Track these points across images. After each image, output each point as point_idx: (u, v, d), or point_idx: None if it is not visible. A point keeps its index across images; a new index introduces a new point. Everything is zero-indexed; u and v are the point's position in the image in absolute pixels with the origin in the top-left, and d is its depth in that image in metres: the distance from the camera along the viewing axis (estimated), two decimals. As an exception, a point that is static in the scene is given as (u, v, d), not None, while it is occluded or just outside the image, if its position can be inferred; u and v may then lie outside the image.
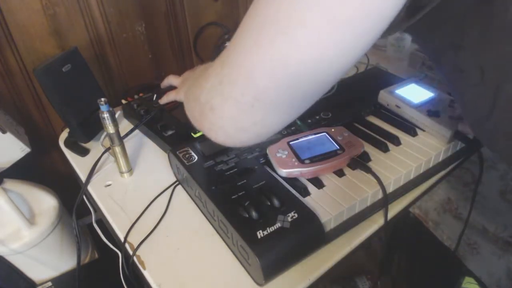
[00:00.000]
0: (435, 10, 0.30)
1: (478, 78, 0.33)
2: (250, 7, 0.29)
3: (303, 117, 0.67)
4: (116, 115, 0.62)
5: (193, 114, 0.37)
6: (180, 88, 0.70)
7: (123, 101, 0.82)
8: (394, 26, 0.29)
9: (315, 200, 0.51)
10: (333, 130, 0.60)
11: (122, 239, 0.53)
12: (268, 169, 0.55)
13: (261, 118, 0.32)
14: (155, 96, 0.78)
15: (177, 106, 0.75)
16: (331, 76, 0.30)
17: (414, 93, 0.70)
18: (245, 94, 0.30)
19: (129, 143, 0.72)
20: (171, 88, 0.75)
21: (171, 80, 0.76)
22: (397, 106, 0.68)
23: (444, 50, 0.35)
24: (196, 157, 0.57)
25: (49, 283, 0.82)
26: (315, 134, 0.60)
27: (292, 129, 0.64)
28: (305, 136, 0.59)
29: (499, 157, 0.39)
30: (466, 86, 0.35)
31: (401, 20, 0.30)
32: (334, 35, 0.26)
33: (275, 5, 0.26)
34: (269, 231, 0.44)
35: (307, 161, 0.54)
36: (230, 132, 0.34)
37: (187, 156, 0.58)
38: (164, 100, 0.74)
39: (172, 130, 0.70)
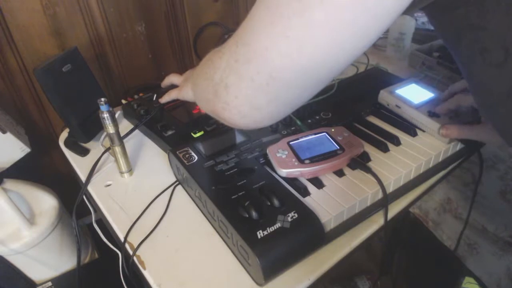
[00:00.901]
0: None
1: (501, 58, 0.32)
2: None
3: (303, 117, 0.67)
4: (116, 115, 0.62)
5: (205, 95, 0.37)
6: (182, 87, 0.69)
7: (123, 101, 0.82)
8: (414, 5, 0.29)
9: (315, 200, 0.51)
10: (333, 130, 0.60)
11: (122, 239, 0.53)
12: (268, 169, 0.55)
13: (275, 97, 0.32)
14: (155, 96, 0.78)
15: (177, 106, 0.76)
16: (346, 58, 0.30)
17: (415, 93, 0.70)
18: (260, 73, 0.30)
19: (129, 143, 0.72)
20: (172, 87, 0.75)
21: (172, 78, 0.75)
22: (397, 106, 0.68)
23: (465, 30, 0.34)
24: (196, 157, 0.57)
25: (49, 283, 0.82)
26: (315, 134, 0.60)
27: (292, 129, 0.64)
28: (305, 136, 0.59)
29: (509, 144, 0.38)
30: (487, 66, 0.35)
31: None
32: (351, 16, 0.26)
33: None
34: (269, 231, 0.44)
35: (307, 161, 0.54)
36: (245, 111, 0.34)
37: (187, 156, 0.58)
38: (165, 98, 0.73)
39: (172, 130, 0.70)
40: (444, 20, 0.36)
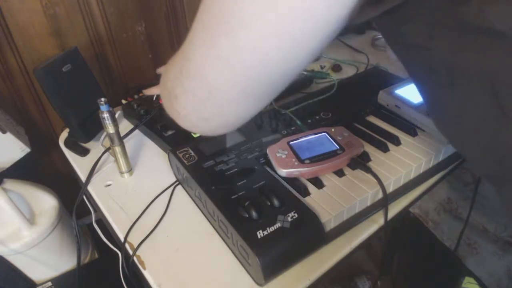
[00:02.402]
0: (403, 6, 0.29)
1: (448, 81, 0.31)
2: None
3: (303, 117, 0.67)
4: (116, 115, 0.62)
5: (164, 101, 0.38)
6: None
7: (123, 101, 0.82)
8: (359, 17, 0.28)
9: (315, 200, 0.51)
10: (333, 130, 0.60)
11: (122, 239, 0.53)
12: (268, 169, 0.56)
13: (219, 111, 0.32)
14: (155, 96, 0.78)
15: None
16: (281, 78, 0.30)
17: (414, 93, 0.69)
18: (200, 88, 0.31)
19: (129, 143, 0.72)
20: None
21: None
22: (397, 106, 0.68)
23: (413, 48, 0.33)
24: (196, 157, 0.57)
25: (49, 283, 0.82)
26: (315, 134, 0.60)
27: (292, 129, 0.64)
28: (305, 136, 0.59)
29: (466, 160, 0.38)
30: (436, 86, 0.34)
31: (365, 11, 0.29)
32: (274, 40, 0.26)
33: (220, 3, 0.26)
34: (269, 231, 0.44)
35: (307, 161, 0.54)
36: (194, 121, 0.35)
37: (187, 156, 0.58)
38: (150, 91, 0.71)
39: (172, 130, 0.70)
40: (391, 34, 0.35)
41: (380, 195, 0.53)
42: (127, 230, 0.54)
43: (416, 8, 0.29)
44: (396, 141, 0.61)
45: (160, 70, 0.76)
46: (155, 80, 0.89)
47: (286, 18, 0.25)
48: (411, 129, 0.64)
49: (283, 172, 0.53)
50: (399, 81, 0.74)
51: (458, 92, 0.31)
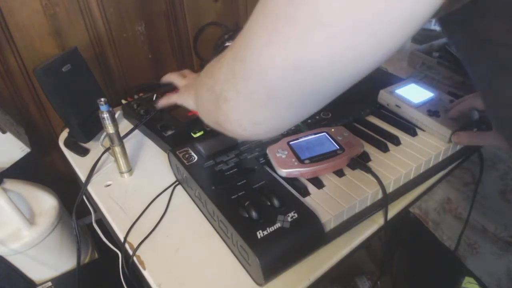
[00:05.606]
0: (482, 2, 0.28)
1: None
2: None
3: (303, 117, 0.67)
4: (116, 115, 0.62)
5: (208, 106, 0.36)
6: (182, 92, 0.64)
7: (123, 101, 0.82)
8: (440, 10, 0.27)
9: (315, 200, 0.51)
10: (333, 130, 0.60)
11: (122, 239, 0.53)
12: (268, 169, 0.55)
13: (274, 114, 0.31)
14: (155, 96, 0.78)
15: (177, 106, 0.75)
16: (348, 80, 0.29)
17: (414, 93, 0.70)
18: (258, 91, 0.29)
19: (129, 143, 0.72)
20: (170, 86, 0.72)
21: (173, 78, 0.69)
22: (397, 106, 0.68)
23: (485, 44, 0.31)
24: (196, 157, 0.57)
25: (49, 283, 0.82)
26: (315, 134, 0.60)
27: (292, 129, 0.64)
28: (305, 136, 0.59)
29: None
30: (508, 84, 0.32)
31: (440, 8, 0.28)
32: (353, 40, 0.24)
33: (291, 1, 0.25)
34: (269, 231, 0.44)
35: (307, 161, 0.54)
36: (245, 125, 0.33)
37: (187, 156, 0.58)
38: (163, 102, 0.66)
39: (172, 130, 0.70)
40: (461, 31, 0.33)
41: (380, 195, 0.53)
42: (127, 230, 0.54)
43: (500, 2, 0.28)
44: (396, 141, 0.61)
45: (165, 78, 0.74)
46: (155, 80, 0.89)
47: (371, 19, 0.23)
48: (411, 129, 0.64)
49: (283, 172, 0.53)
50: (399, 81, 0.74)
51: None
